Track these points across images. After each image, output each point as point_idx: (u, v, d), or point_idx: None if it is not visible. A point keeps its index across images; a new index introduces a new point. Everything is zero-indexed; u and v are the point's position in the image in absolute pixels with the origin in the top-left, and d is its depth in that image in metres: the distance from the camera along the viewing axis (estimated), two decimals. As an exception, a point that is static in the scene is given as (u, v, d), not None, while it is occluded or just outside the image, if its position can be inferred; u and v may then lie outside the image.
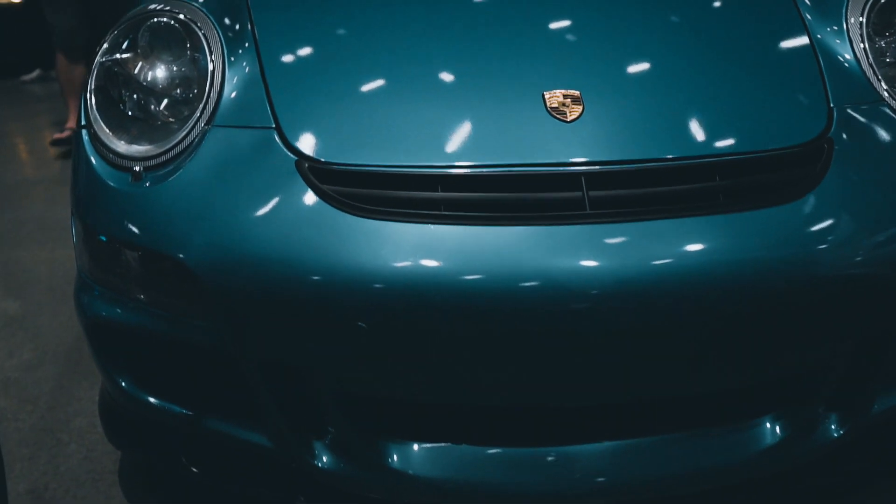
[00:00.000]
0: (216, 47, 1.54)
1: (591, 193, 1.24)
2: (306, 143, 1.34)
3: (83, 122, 1.56)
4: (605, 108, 1.35)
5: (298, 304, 1.25)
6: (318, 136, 1.36)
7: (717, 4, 1.70)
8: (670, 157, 1.29)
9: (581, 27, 1.55)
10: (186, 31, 1.57)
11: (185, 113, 1.49)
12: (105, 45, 1.60)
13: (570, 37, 1.53)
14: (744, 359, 1.30)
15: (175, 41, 1.59)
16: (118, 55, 1.59)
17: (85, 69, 4.26)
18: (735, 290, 1.20)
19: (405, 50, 1.52)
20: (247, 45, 1.56)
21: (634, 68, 1.45)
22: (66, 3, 4.25)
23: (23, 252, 3.02)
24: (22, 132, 5.11)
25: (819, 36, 1.57)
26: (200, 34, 1.55)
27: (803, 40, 1.56)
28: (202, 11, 1.62)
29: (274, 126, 1.39)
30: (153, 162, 1.45)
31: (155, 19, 1.61)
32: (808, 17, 1.61)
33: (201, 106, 1.46)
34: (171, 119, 1.51)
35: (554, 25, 1.57)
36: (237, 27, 1.60)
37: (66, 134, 4.33)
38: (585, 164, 1.26)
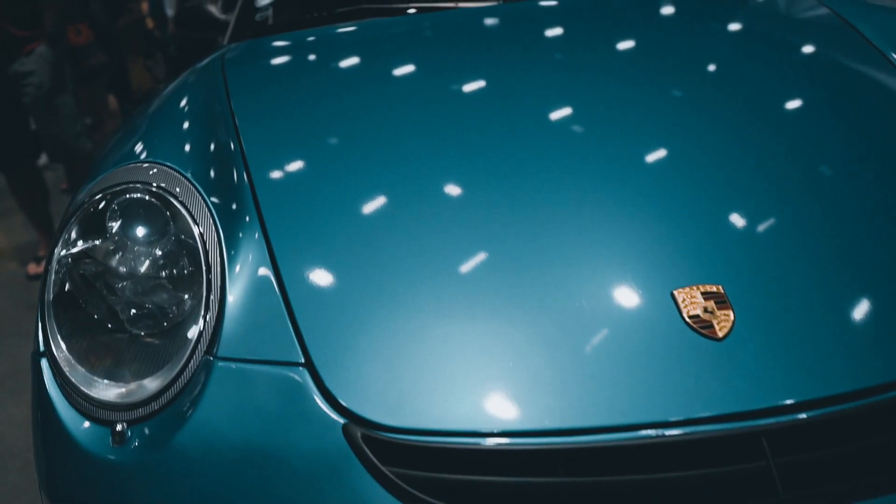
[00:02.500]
0: (209, 231, 1.17)
1: (780, 461, 0.85)
2: (356, 394, 0.96)
3: (41, 348, 1.17)
4: (765, 313, 0.97)
5: None
6: (373, 380, 0.97)
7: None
8: (878, 385, 0.91)
9: (701, 174, 1.18)
10: (170, 210, 1.20)
11: (179, 329, 1.11)
12: (62, 237, 1.23)
13: (688, 193, 1.14)
14: None
15: (155, 223, 1.22)
16: (81, 246, 1.22)
17: (37, 182, 3.72)
18: None
19: (465, 226, 1.14)
20: (254, 230, 1.18)
21: (793, 241, 1.07)
22: None
23: (-7, 409, 2.60)
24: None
25: None
26: (187, 215, 1.19)
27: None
28: (189, 182, 1.25)
29: (303, 362, 1.00)
30: (141, 413, 1.06)
31: (127, 196, 1.24)
32: None
33: (199, 324, 1.08)
34: (160, 329, 1.13)
35: (658, 173, 1.19)
36: (236, 202, 1.24)
37: (42, 268, 3.78)
38: (763, 412, 0.88)
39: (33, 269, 3.72)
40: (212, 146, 1.39)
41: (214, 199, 1.22)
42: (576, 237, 1.09)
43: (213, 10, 2.81)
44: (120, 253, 1.20)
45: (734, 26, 1.91)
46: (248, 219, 1.19)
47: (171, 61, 4.94)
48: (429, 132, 1.39)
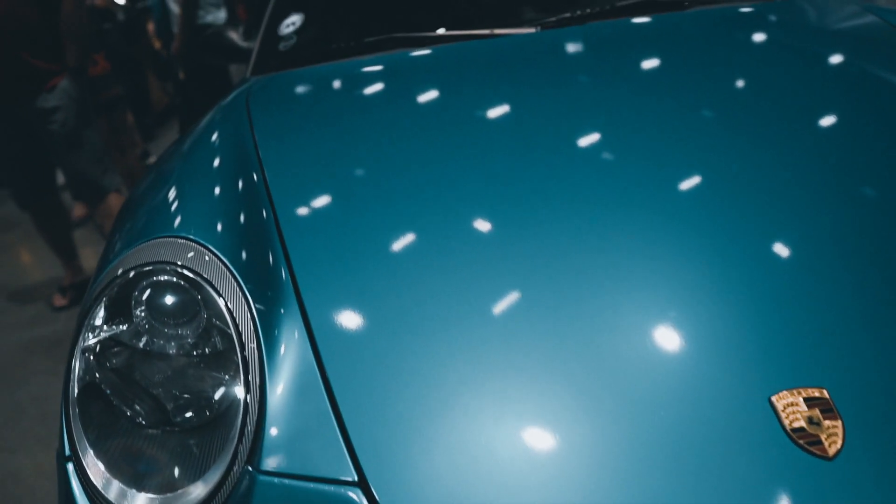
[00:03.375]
0: (244, 317, 1.08)
1: None
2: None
3: (67, 451, 1.08)
4: (878, 421, 0.85)
5: None
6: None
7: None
8: None
9: (783, 228, 1.07)
10: (201, 293, 1.11)
11: (217, 428, 1.02)
12: (85, 323, 1.14)
13: (771, 258, 1.03)
14: None
15: (185, 307, 1.13)
16: (107, 333, 1.13)
17: (59, 215, 3.62)
18: None
19: (520, 296, 1.05)
20: (292, 307, 1.09)
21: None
22: None
23: (21, 457, 2.53)
24: (15, 267, 4.61)
25: None
26: (218, 298, 1.09)
27: None
28: (219, 259, 1.16)
29: (356, 480, 0.90)
30: (179, 533, 0.96)
31: (154, 278, 1.15)
32: None
33: (237, 426, 0.99)
34: (200, 421, 1.04)
35: (730, 223, 1.08)
36: (270, 275, 1.14)
37: (68, 298, 3.68)
38: (889, 552, 0.77)
39: (58, 300, 3.66)
40: (242, 206, 1.31)
41: (247, 276, 1.14)
42: (643, 313, 0.98)
43: (235, 36, 2.72)
44: (149, 339, 1.11)
45: (776, 42, 1.80)
46: (283, 295, 1.11)
47: (180, 82, 4.83)
48: (472, 175, 1.30)
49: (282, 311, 1.08)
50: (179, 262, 1.14)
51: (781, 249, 1.04)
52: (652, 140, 1.31)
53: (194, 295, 1.11)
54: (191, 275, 1.12)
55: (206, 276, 1.12)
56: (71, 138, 3.21)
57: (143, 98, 4.88)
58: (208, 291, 1.11)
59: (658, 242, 1.08)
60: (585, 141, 1.36)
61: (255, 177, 1.40)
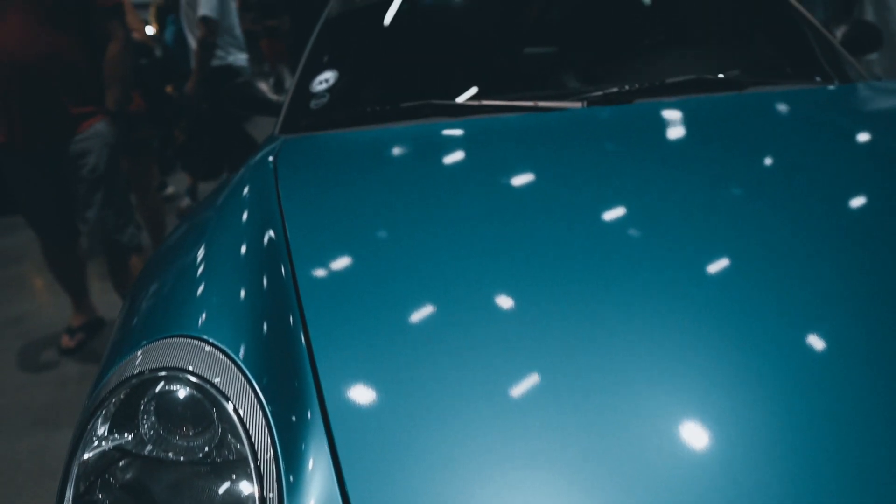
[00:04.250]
0: (261, 431, 1.00)
1: None
2: None
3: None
4: None
5: None
6: None
7: None
8: None
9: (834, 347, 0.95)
10: (213, 403, 1.02)
11: None
12: (85, 431, 1.04)
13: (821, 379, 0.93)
14: None
15: (195, 418, 1.03)
16: (111, 443, 1.03)
17: (73, 260, 3.47)
18: None
19: (548, 390, 0.96)
20: (319, 434, 0.98)
21: None
22: (23, 164, 3.06)
23: (14, 517, 2.41)
24: (23, 303, 4.52)
25: None
26: (228, 407, 1.00)
27: None
28: (238, 368, 1.06)
29: None
30: None
31: (163, 385, 1.05)
32: None
33: None
34: None
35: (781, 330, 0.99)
36: (295, 384, 1.05)
37: (77, 340, 3.54)
38: None
39: (66, 341, 3.56)
40: (263, 284, 1.23)
41: (264, 374, 1.05)
42: (677, 427, 0.88)
43: (265, 88, 2.65)
44: (155, 449, 1.01)
45: (830, 127, 1.71)
46: (304, 397, 1.02)
47: (192, 122, 4.71)
48: (500, 252, 1.25)
49: (308, 415, 0.99)
50: (191, 368, 1.05)
51: (834, 370, 0.94)
52: (694, 229, 1.25)
53: (207, 406, 1.02)
54: (203, 383, 1.03)
55: (217, 382, 1.03)
56: (98, 183, 3.08)
57: (167, 131, 4.76)
58: (221, 401, 1.01)
59: (699, 342, 1.00)
60: (618, 223, 1.30)
61: (278, 249, 1.32)
